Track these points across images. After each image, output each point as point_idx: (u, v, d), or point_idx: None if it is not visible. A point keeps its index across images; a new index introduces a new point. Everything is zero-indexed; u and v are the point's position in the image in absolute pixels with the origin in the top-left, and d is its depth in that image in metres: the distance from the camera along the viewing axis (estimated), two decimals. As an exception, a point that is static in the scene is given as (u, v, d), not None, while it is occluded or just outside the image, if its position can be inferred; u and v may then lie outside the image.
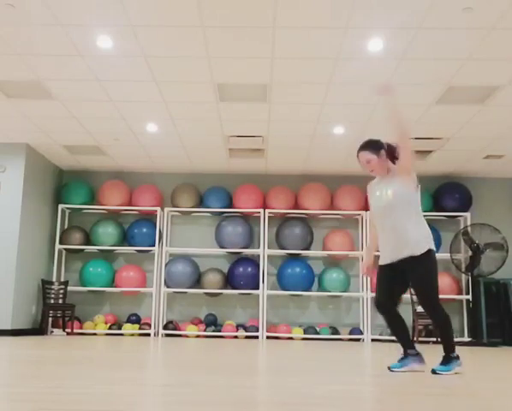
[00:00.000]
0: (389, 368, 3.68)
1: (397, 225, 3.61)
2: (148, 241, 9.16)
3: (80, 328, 8.90)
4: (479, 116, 6.85)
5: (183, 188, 9.31)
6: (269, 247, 9.29)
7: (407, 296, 8.88)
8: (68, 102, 6.66)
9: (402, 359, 3.70)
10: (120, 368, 3.43)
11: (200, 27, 4.93)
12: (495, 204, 9.53)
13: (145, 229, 9.16)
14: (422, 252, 3.56)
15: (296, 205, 9.32)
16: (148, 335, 8.86)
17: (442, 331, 3.60)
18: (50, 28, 4.98)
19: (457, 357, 3.58)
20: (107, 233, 9.12)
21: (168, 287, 9.02)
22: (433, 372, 3.51)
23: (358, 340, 8.94)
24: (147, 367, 3.62)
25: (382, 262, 3.76)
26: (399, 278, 3.70)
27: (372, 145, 3.72)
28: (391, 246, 3.66)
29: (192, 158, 8.90)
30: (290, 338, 8.89)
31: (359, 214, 9.29)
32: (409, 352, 3.69)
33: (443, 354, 3.59)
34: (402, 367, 3.65)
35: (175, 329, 8.80)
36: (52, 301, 8.71)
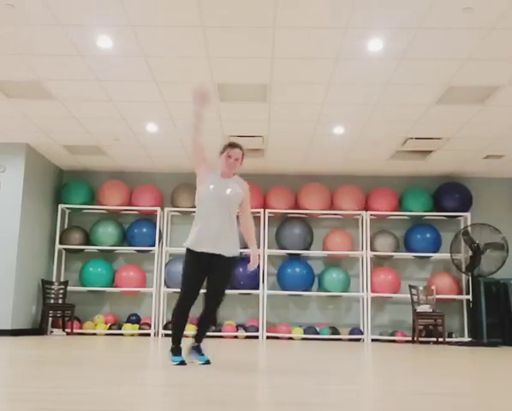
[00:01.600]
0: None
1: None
2: (148, 241, 9.16)
3: (80, 328, 8.90)
4: (479, 116, 6.85)
5: (183, 188, 9.31)
6: (269, 247, 9.28)
7: (407, 296, 8.87)
8: (68, 102, 6.66)
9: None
10: (120, 368, 3.43)
11: (200, 27, 4.93)
12: (495, 204, 9.53)
13: (145, 229, 9.16)
14: (236, 255, 4.06)
15: (296, 205, 9.31)
16: (148, 335, 8.86)
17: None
18: (50, 28, 4.98)
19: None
20: (107, 233, 9.12)
21: (168, 287, 9.02)
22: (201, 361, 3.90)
23: (358, 340, 8.94)
24: (147, 367, 3.62)
25: (196, 248, 3.92)
26: (206, 270, 3.94)
27: (243, 151, 4.32)
28: (212, 236, 3.97)
29: (192, 158, 8.89)
30: (290, 338, 8.89)
31: (359, 214, 9.29)
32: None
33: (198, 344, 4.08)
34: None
35: (175, 329, 8.78)
36: (52, 301, 8.71)
